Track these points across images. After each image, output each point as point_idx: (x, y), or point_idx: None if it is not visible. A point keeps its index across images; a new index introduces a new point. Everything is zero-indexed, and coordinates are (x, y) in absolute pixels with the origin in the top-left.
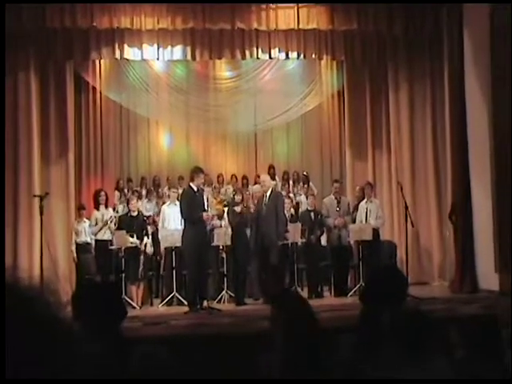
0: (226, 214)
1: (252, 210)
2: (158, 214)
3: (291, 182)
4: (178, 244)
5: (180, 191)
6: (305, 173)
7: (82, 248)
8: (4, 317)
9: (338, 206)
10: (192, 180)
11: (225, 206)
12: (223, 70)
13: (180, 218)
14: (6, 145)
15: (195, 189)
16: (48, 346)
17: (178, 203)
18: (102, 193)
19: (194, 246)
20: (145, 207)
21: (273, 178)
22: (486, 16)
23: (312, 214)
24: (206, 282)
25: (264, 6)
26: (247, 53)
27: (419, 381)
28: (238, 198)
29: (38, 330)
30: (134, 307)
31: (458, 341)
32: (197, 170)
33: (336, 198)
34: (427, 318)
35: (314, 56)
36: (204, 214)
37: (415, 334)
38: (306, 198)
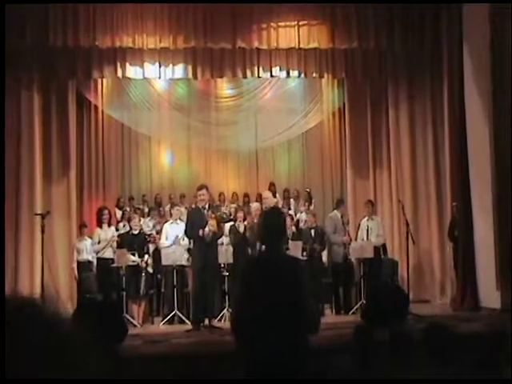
0: (227, 232)
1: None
2: (158, 232)
3: (292, 200)
4: (180, 262)
5: (182, 209)
6: (307, 189)
7: (83, 266)
8: (4, 318)
9: (344, 224)
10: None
11: (224, 222)
12: (224, 88)
13: (181, 236)
14: (7, 163)
15: (199, 206)
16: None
17: (179, 222)
18: (106, 211)
19: (198, 263)
20: (147, 225)
21: (274, 196)
22: (485, 31)
23: (313, 231)
24: (210, 299)
25: (265, 25)
26: (248, 71)
27: (419, 381)
28: (239, 215)
29: (40, 342)
30: (135, 325)
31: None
32: (197, 187)
33: (342, 217)
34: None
35: (314, 74)
36: (200, 231)
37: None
38: (306, 215)
